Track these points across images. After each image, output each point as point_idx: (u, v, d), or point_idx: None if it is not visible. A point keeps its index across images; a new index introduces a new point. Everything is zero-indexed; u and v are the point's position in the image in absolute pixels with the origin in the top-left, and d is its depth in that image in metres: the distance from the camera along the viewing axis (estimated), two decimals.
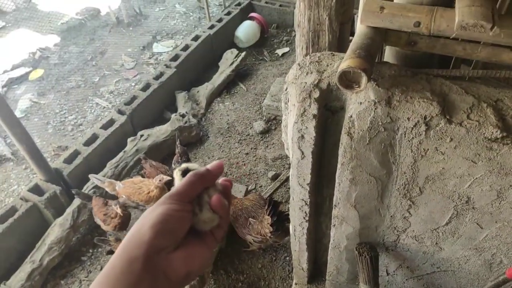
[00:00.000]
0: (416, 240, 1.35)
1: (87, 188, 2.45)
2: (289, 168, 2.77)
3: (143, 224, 0.53)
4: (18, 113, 3.18)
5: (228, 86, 3.43)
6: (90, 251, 2.36)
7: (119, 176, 2.54)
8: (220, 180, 0.63)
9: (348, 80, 0.95)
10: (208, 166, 0.60)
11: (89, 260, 2.31)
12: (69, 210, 2.36)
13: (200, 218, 0.57)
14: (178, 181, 0.61)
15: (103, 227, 2.18)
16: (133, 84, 3.64)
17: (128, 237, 0.52)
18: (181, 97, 3.19)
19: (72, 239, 2.35)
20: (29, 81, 3.74)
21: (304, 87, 1.10)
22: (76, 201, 2.39)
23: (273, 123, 3.07)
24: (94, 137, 2.72)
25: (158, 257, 0.52)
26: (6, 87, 3.63)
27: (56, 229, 2.28)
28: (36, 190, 2.41)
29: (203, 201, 0.58)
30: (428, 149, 1.05)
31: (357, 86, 0.94)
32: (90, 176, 2.31)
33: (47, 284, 2.21)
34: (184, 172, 0.61)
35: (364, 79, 0.91)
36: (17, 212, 2.29)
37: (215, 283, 2.12)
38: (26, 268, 2.16)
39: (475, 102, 0.98)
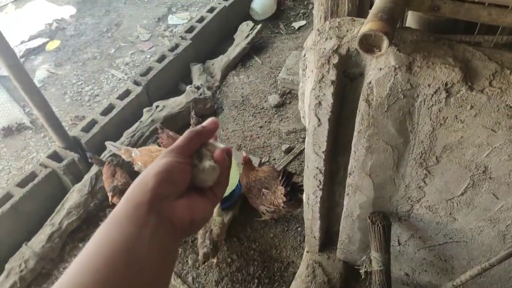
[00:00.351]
0: (430, 210, 1.36)
1: (104, 156, 2.50)
2: (303, 142, 2.78)
3: (147, 173, 0.55)
4: (36, 83, 3.22)
5: (243, 59, 3.41)
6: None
7: (135, 145, 2.59)
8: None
9: (368, 44, 0.94)
10: (204, 123, 0.63)
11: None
12: (87, 177, 2.42)
13: (200, 169, 0.59)
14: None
15: (110, 198, 2.20)
16: (148, 56, 3.64)
17: (132, 186, 0.54)
18: (196, 69, 3.18)
19: (90, 205, 2.42)
20: (46, 51, 3.77)
21: (323, 52, 1.09)
22: (94, 169, 2.45)
23: (287, 97, 3.06)
24: (110, 107, 2.76)
25: (162, 203, 0.53)
26: (24, 58, 3.68)
27: (75, 195, 2.35)
28: (55, 157, 2.47)
29: (203, 154, 0.61)
30: (447, 117, 1.05)
31: (377, 50, 0.93)
32: (106, 143, 2.35)
33: (66, 247, 2.29)
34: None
35: (385, 42, 0.90)
36: (36, 177, 2.36)
37: (228, 249, 2.18)
38: (46, 230, 2.24)
39: (498, 69, 0.96)
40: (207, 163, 0.60)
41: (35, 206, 2.33)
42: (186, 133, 0.61)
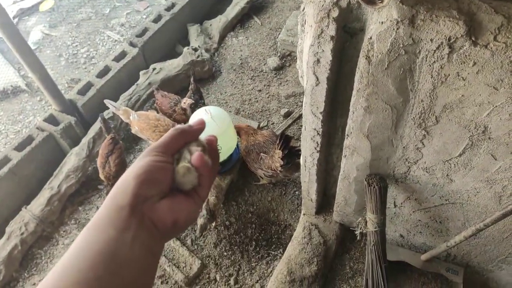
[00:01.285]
0: (427, 172, 1.35)
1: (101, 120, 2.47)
2: (302, 106, 2.74)
3: (128, 175, 0.54)
4: (30, 45, 3.15)
5: (242, 20, 3.30)
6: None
7: (132, 108, 2.55)
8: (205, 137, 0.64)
9: None
10: (191, 122, 0.63)
11: (105, 189, 2.39)
12: (84, 141, 2.40)
13: (176, 171, 0.57)
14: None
15: (100, 174, 2.16)
16: (144, 16, 3.53)
17: (115, 187, 0.54)
18: (193, 30, 3.10)
19: (88, 169, 2.42)
20: (39, 12, 3.66)
21: (322, 5, 1.04)
22: (91, 132, 2.43)
23: (287, 60, 2.99)
24: (106, 69, 2.70)
25: (144, 205, 0.53)
26: (17, 18, 3.57)
27: (73, 158, 2.34)
28: (52, 120, 2.44)
29: (182, 155, 0.59)
30: (449, 74, 1.01)
31: (379, 1, 0.89)
32: (105, 101, 2.31)
33: (65, 210, 2.31)
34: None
35: None
36: (33, 141, 2.34)
37: (226, 212, 2.20)
38: (45, 194, 2.25)
39: (504, 22, 0.92)
40: (182, 166, 0.57)
41: (33, 169, 2.33)
42: (171, 131, 0.60)
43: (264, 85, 2.85)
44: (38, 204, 2.21)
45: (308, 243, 1.83)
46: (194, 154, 0.58)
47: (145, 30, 2.90)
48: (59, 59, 3.22)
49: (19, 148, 2.30)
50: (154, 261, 0.55)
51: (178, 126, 0.61)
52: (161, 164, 0.56)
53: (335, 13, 1.03)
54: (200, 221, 1.95)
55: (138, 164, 0.55)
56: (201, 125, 0.63)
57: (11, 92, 2.96)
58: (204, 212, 1.93)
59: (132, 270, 0.50)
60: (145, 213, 0.53)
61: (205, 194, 0.61)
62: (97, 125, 2.45)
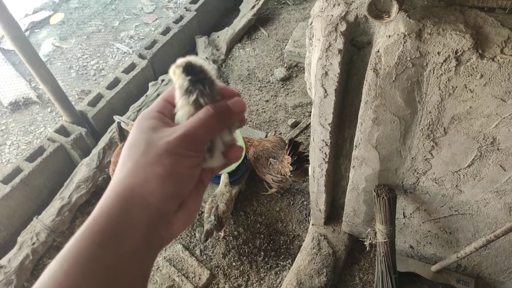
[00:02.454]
0: (436, 182, 1.35)
1: (111, 131, 2.51)
2: (309, 116, 2.75)
3: (146, 179, 0.40)
4: (41, 58, 3.21)
5: (249, 31, 3.34)
6: None
7: None
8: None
9: (377, 9, 0.91)
10: (231, 104, 0.45)
11: None
12: (94, 151, 2.43)
13: (208, 166, 0.46)
14: (178, 81, 0.45)
15: None
16: (152, 28, 3.59)
17: (126, 184, 0.41)
18: (201, 42, 3.14)
19: (99, 179, 2.44)
20: (50, 25, 3.73)
21: (330, 20, 1.06)
22: (102, 143, 2.46)
23: (294, 70, 3.01)
24: (116, 81, 2.74)
25: (160, 222, 0.42)
26: (28, 31, 3.64)
27: (83, 169, 2.37)
28: (63, 131, 2.48)
29: (215, 146, 0.45)
30: (456, 87, 1.02)
31: (387, 16, 0.90)
32: (115, 117, 2.35)
33: (76, 220, 2.34)
34: (187, 69, 0.44)
35: (395, 7, 0.86)
36: (45, 152, 2.38)
37: (234, 223, 2.20)
38: (56, 204, 2.27)
39: (511, 35, 0.93)
40: (218, 162, 0.47)
41: (44, 180, 2.36)
42: (206, 116, 0.43)
43: (271, 96, 2.87)
44: (49, 214, 2.24)
45: (317, 254, 1.83)
46: (233, 149, 0.47)
47: (154, 42, 2.95)
48: (69, 71, 3.28)
49: (30, 159, 2.34)
50: (143, 283, 0.43)
51: (214, 106, 0.43)
52: (194, 171, 0.43)
53: (342, 27, 1.05)
54: (206, 226, 1.95)
55: (163, 162, 0.40)
56: (242, 108, 0.46)
57: (22, 103, 3.01)
58: (212, 218, 1.93)
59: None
60: (159, 232, 0.42)
61: (208, 180, 0.49)
62: (107, 136, 2.48)
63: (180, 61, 0.45)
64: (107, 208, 0.40)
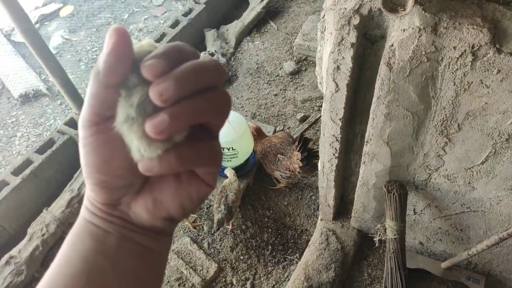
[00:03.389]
0: (448, 179, 1.34)
1: None
2: (319, 110, 2.74)
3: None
4: (51, 50, 3.22)
5: (258, 24, 3.32)
6: None
7: None
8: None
9: (392, 3, 0.89)
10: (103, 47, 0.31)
11: None
12: None
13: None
14: None
15: None
16: (162, 21, 3.58)
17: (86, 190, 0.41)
18: (210, 35, 3.12)
19: None
20: (60, 17, 3.74)
21: (343, 13, 1.04)
22: None
23: (303, 64, 2.99)
24: None
25: (119, 209, 0.39)
26: (38, 24, 3.65)
27: None
28: (72, 123, 2.49)
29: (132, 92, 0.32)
30: (472, 82, 1.00)
31: (402, 9, 0.88)
32: None
33: None
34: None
35: (410, 1, 0.84)
36: (54, 144, 2.39)
37: (242, 216, 2.20)
38: (65, 196, 2.29)
39: None
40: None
41: (54, 172, 2.38)
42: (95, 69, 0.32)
43: (280, 90, 2.85)
44: (58, 206, 2.25)
45: (325, 249, 1.82)
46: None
47: (162, 35, 2.94)
48: (79, 63, 3.29)
49: (40, 151, 2.36)
50: (150, 262, 0.41)
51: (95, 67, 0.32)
52: (98, 150, 0.34)
53: (356, 20, 1.03)
54: (218, 216, 1.95)
55: (82, 160, 0.37)
56: (118, 37, 0.31)
57: (32, 96, 3.03)
58: (222, 207, 1.94)
59: (122, 283, 0.39)
60: (125, 216, 0.39)
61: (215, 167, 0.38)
62: None
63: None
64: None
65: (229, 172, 2.08)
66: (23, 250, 2.09)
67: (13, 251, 2.07)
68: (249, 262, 2.04)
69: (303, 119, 2.64)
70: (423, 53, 0.98)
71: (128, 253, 0.39)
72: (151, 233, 0.40)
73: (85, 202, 0.40)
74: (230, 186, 2.01)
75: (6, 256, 2.04)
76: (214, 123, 0.36)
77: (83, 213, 0.40)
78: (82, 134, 0.35)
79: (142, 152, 0.32)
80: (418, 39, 0.96)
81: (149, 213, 0.39)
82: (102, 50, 0.32)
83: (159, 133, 0.30)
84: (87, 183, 0.38)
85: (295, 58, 3.02)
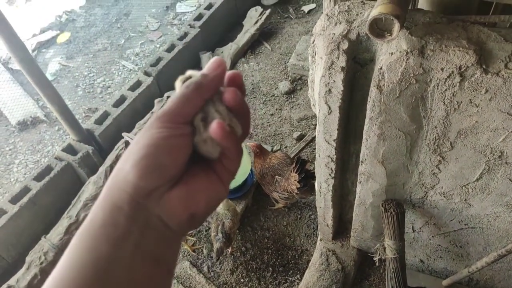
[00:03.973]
0: (444, 196, 1.34)
1: (117, 148, 2.52)
2: (315, 128, 2.75)
3: (125, 161, 0.41)
4: (48, 76, 3.25)
5: (252, 46, 3.37)
6: None
7: None
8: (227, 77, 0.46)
9: (379, 28, 0.91)
10: (205, 70, 0.44)
11: None
12: (101, 169, 2.44)
13: (202, 139, 0.43)
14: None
15: None
16: (157, 45, 3.63)
17: (110, 179, 0.42)
18: (205, 58, 3.17)
19: None
20: (57, 44, 3.79)
21: (332, 38, 1.07)
22: (108, 161, 2.47)
23: (298, 83, 3.02)
24: (122, 99, 2.77)
25: (148, 201, 0.41)
26: (35, 51, 3.71)
27: (90, 187, 2.38)
28: (70, 150, 2.50)
29: (209, 116, 0.43)
30: (461, 102, 1.02)
31: (388, 34, 0.90)
32: (123, 134, 2.37)
33: None
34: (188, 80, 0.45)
35: (396, 26, 0.87)
36: (52, 170, 2.39)
37: (241, 238, 2.19)
38: (63, 223, 2.28)
39: None
40: (201, 138, 0.43)
41: (52, 199, 2.38)
42: (182, 89, 0.43)
43: (276, 109, 2.87)
44: (57, 233, 2.24)
45: (326, 270, 1.81)
46: (212, 125, 0.42)
47: (159, 59, 2.98)
48: (76, 89, 3.32)
49: (38, 178, 2.36)
50: (167, 269, 0.43)
51: (190, 80, 0.43)
52: (169, 141, 0.41)
53: (344, 45, 1.05)
54: (216, 245, 1.94)
55: (138, 145, 0.41)
56: (220, 68, 0.43)
57: (30, 122, 3.05)
58: (220, 235, 1.93)
59: None
60: (151, 210, 0.41)
61: (235, 167, 0.46)
62: (113, 154, 2.50)
63: (184, 75, 0.45)
64: (96, 205, 0.42)
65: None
66: (21, 279, 2.06)
67: (11, 281, 2.05)
68: (250, 285, 2.02)
69: (299, 138, 2.66)
70: (412, 75, 1.00)
71: (142, 260, 0.40)
72: (170, 234, 0.43)
73: (106, 201, 0.41)
74: (225, 213, 1.99)
75: (4, 286, 2.02)
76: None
77: (101, 214, 0.41)
78: (158, 125, 0.41)
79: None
80: (406, 62, 0.98)
81: (181, 203, 0.42)
82: (205, 69, 0.44)
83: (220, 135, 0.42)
84: (137, 169, 0.40)
85: (290, 78, 3.06)
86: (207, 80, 0.43)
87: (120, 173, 0.41)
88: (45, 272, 2.12)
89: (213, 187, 0.44)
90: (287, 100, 2.92)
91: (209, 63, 0.44)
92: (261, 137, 2.72)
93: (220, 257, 2.02)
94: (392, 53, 1.00)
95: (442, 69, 0.97)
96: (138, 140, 0.41)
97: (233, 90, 0.43)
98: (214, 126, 0.41)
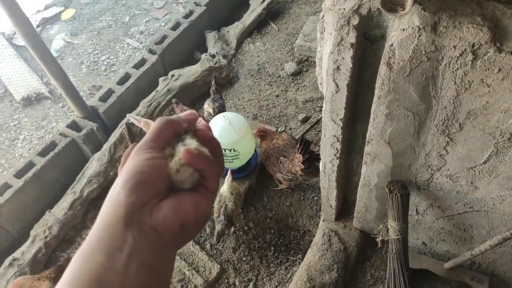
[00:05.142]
0: (450, 179, 1.33)
1: (121, 126, 2.52)
2: (320, 111, 2.73)
3: (116, 185, 0.46)
4: (53, 53, 3.22)
5: (259, 26, 3.32)
6: None
7: (152, 114, 2.59)
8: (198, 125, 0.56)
9: (391, 2, 0.88)
10: (181, 114, 0.55)
11: None
12: (106, 146, 2.45)
13: (171, 169, 0.49)
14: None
15: None
16: (162, 24, 3.59)
17: (105, 203, 0.46)
18: (211, 37, 3.12)
19: (110, 173, 2.45)
20: (61, 21, 3.75)
21: (342, 13, 1.04)
22: (112, 138, 2.47)
23: (305, 65, 2.98)
24: (126, 76, 2.75)
25: (141, 213, 0.45)
26: (40, 27, 3.67)
27: (95, 163, 2.39)
28: (74, 126, 2.50)
29: (176, 150, 0.50)
30: (473, 81, 1.00)
31: (401, 9, 0.88)
32: (128, 115, 2.36)
33: (87, 214, 2.36)
34: None
35: (409, 0, 0.84)
36: (56, 146, 2.40)
37: (244, 217, 2.20)
38: (68, 198, 2.30)
39: None
40: (174, 162, 0.49)
41: (56, 174, 2.39)
42: (157, 121, 0.51)
43: (282, 91, 2.85)
44: (61, 208, 2.26)
45: (328, 250, 1.82)
46: (182, 151, 0.49)
47: (164, 38, 2.95)
48: (80, 66, 3.30)
49: (42, 153, 2.36)
50: (163, 278, 0.46)
51: (165, 117, 0.52)
52: (153, 161, 0.47)
53: (355, 20, 1.03)
54: (218, 227, 1.95)
55: (125, 170, 0.47)
56: (192, 116, 0.54)
57: (34, 99, 3.04)
58: (222, 217, 1.94)
59: None
60: (144, 221, 0.45)
61: (213, 186, 0.52)
62: (117, 131, 2.49)
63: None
64: (93, 228, 0.46)
65: (226, 178, 2.03)
66: (26, 252, 2.09)
67: (16, 253, 2.08)
68: (251, 263, 2.04)
69: (304, 120, 2.64)
70: (423, 52, 0.98)
71: (137, 268, 0.43)
72: (164, 244, 0.46)
73: (102, 222, 0.45)
74: (229, 195, 1.98)
75: (9, 258, 2.05)
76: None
77: (97, 232, 0.44)
78: (141, 152, 0.48)
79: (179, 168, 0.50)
80: (418, 39, 0.96)
81: (172, 210, 0.47)
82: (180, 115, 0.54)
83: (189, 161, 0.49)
84: (126, 188, 0.45)
85: (296, 59, 3.02)
86: (179, 119, 0.52)
87: (113, 195, 0.46)
88: (49, 245, 2.16)
89: (198, 201, 0.50)
90: (293, 82, 2.89)
91: (186, 112, 0.55)
92: (265, 118, 2.70)
93: (220, 240, 2.02)
94: (404, 29, 0.97)
95: (454, 46, 0.95)
96: (126, 168, 0.47)
97: (205, 128, 0.54)
98: (183, 152, 0.49)
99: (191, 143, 0.51)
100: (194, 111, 0.55)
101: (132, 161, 0.47)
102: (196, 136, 0.53)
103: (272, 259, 2.05)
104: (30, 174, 2.25)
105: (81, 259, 0.43)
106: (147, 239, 0.44)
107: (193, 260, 2.05)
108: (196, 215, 0.49)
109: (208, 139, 0.54)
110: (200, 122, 0.56)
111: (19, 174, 2.25)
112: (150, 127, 0.53)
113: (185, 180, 0.49)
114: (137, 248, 0.43)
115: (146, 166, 0.47)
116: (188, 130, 0.53)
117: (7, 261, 2.04)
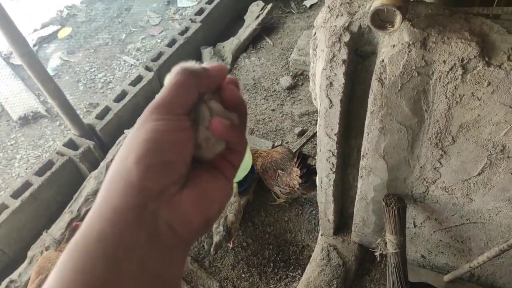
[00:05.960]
0: (446, 191, 1.33)
1: (119, 143, 2.52)
2: (316, 124, 2.74)
3: (125, 158, 0.35)
4: (49, 71, 3.24)
5: (254, 41, 3.35)
6: None
7: None
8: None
9: (381, 20, 0.90)
10: (206, 64, 0.41)
11: None
12: (103, 164, 2.44)
13: (196, 141, 0.39)
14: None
15: None
16: (159, 40, 3.62)
17: (107, 181, 0.35)
18: (206, 52, 3.15)
19: None
20: (58, 39, 3.79)
21: (333, 30, 1.06)
22: (110, 155, 2.47)
23: (300, 79, 3.01)
24: (123, 94, 2.76)
25: (157, 203, 0.34)
26: (37, 46, 3.70)
27: (92, 182, 2.38)
28: (71, 145, 2.50)
29: (200, 116, 0.39)
30: (463, 95, 1.01)
31: (390, 26, 0.89)
32: (126, 131, 2.36)
33: None
34: None
35: (398, 17, 0.86)
36: (54, 165, 2.39)
37: (243, 233, 2.19)
38: (65, 217, 2.28)
39: None
40: (203, 132, 0.39)
41: (53, 193, 2.38)
42: (177, 75, 0.38)
43: (278, 105, 2.86)
44: (58, 228, 2.24)
45: (327, 265, 1.81)
46: (213, 120, 0.39)
47: (160, 54, 2.97)
48: (77, 84, 3.32)
49: (39, 173, 2.36)
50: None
51: (187, 67, 0.39)
52: (172, 134, 0.36)
53: (346, 37, 1.04)
54: (216, 238, 1.94)
55: (138, 139, 0.35)
56: (221, 72, 0.41)
57: (31, 117, 3.05)
58: (221, 228, 1.92)
59: None
60: (160, 216, 0.34)
61: (239, 161, 0.42)
62: (115, 149, 2.50)
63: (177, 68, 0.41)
64: (92, 212, 0.35)
65: None
66: (23, 273, 2.07)
67: (13, 275, 2.05)
68: (251, 280, 2.02)
69: (301, 134, 2.65)
70: (414, 67, 0.99)
71: (146, 282, 0.33)
72: (178, 244, 0.36)
73: (105, 208, 0.34)
74: (230, 206, 1.99)
75: (7, 280, 2.02)
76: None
77: (98, 224, 0.33)
78: (157, 117, 0.36)
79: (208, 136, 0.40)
80: (408, 54, 0.98)
81: (195, 207, 0.37)
82: (207, 65, 0.41)
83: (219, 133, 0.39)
84: (140, 166, 0.34)
85: (291, 73, 3.04)
86: (207, 74, 0.39)
87: (120, 174, 0.34)
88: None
89: (222, 186, 0.40)
90: (289, 96, 2.91)
91: (213, 64, 0.42)
92: (262, 132, 2.71)
93: (218, 252, 2.01)
94: (394, 45, 0.99)
95: (444, 61, 0.96)
96: (136, 135, 0.35)
97: (232, 87, 0.41)
98: (214, 123, 0.38)
99: (218, 108, 0.40)
100: (223, 65, 0.42)
101: (147, 128, 0.35)
102: (222, 96, 0.41)
103: (272, 275, 2.03)
104: (27, 194, 2.24)
105: (75, 264, 0.31)
106: (161, 240, 0.34)
107: (192, 278, 2.03)
108: (220, 210, 0.39)
109: (236, 103, 0.41)
110: (228, 79, 0.43)
111: (16, 195, 2.24)
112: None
113: (209, 153, 0.40)
114: (150, 253, 0.33)
115: (165, 140, 0.35)
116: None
117: (4, 283, 2.01)
